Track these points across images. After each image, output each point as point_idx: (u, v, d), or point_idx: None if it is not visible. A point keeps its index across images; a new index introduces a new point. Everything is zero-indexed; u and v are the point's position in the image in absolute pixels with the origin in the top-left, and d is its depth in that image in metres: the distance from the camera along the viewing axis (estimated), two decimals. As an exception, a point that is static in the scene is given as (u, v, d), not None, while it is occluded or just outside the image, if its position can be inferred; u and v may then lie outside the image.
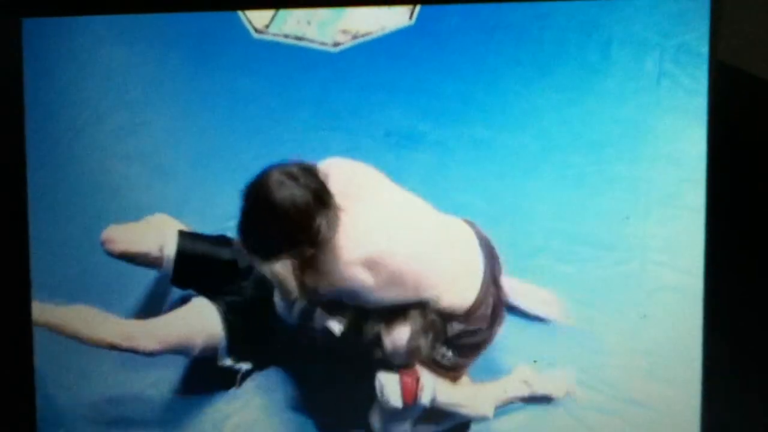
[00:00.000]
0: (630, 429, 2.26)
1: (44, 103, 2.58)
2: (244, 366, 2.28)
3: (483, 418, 2.21)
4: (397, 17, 3.11)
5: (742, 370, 2.37)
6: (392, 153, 2.42)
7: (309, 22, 3.09)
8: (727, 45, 2.63)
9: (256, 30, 3.09)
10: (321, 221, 2.06)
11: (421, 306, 2.12)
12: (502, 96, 2.39)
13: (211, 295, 2.27)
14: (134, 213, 2.52)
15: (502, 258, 2.36)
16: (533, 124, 2.51)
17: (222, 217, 2.49)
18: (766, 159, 2.66)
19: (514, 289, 2.28)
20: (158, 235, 2.33)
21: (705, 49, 2.42)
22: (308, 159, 2.65)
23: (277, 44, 3.02)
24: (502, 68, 2.44)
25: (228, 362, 2.26)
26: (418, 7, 3.10)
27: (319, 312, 2.16)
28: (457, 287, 2.19)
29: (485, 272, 2.23)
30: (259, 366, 2.32)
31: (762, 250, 2.46)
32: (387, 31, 3.06)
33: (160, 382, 2.36)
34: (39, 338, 2.33)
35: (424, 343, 2.12)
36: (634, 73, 2.47)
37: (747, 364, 2.38)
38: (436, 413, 2.19)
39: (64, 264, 2.44)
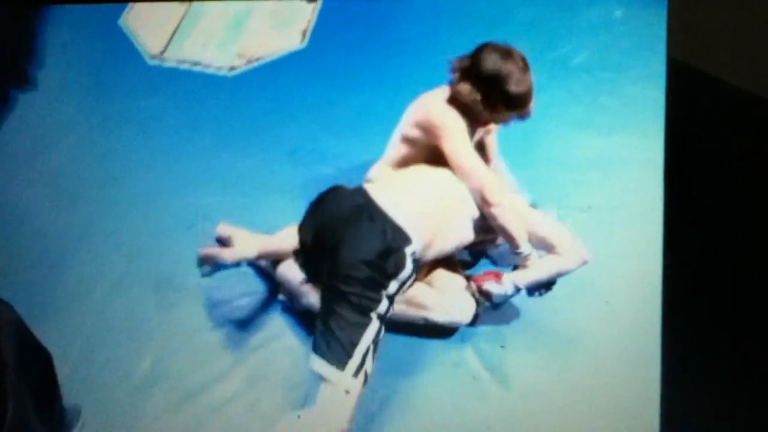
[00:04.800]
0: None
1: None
2: None
3: None
4: (290, 40, 3.22)
5: (699, 352, 2.47)
6: (298, 169, 2.47)
7: (204, 46, 3.15)
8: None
9: (151, 56, 3.12)
10: None
11: None
12: (401, 108, 2.48)
13: None
14: (39, 238, 2.47)
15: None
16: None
17: (130, 241, 2.50)
18: (722, 154, 2.85)
19: None
20: None
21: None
22: (213, 179, 2.73)
23: (174, 69, 3.07)
24: (398, 83, 2.54)
25: None
26: (309, 30, 3.23)
27: None
28: None
29: None
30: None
31: (717, 236, 2.61)
32: (281, 54, 3.17)
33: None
34: None
35: None
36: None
37: (704, 345, 2.48)
38: None
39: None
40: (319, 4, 3.33)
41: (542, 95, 2.44)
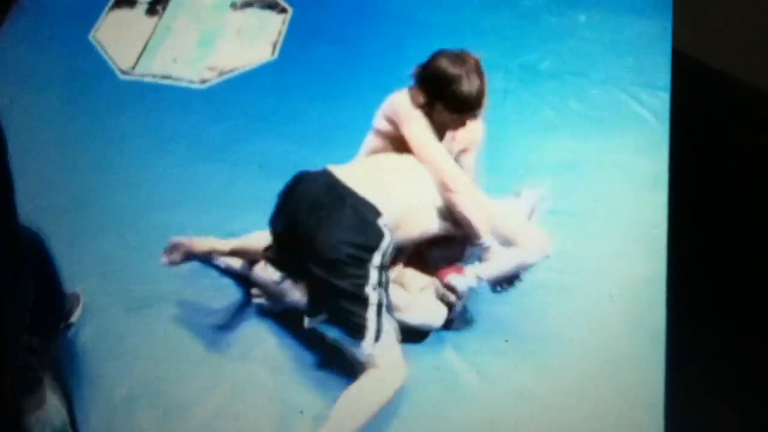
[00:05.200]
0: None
1: None
2: None
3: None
4: (261, 53, 3.24)
5: (703, 348, 2.51)
6: (269, 182, 2.48)
7: (175, 60, 3.17)
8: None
9: (122, 71, 3.13)
10: None
11: None
12: (369, 120, 2.51)
13: None
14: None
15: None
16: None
17: (105, 260, 2.49)
18: (728, 147, 2.86)
19: None
20: None
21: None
22: (185, 194, 2.76)
23: (146, 83, 3.10)
24: (368, 94, 2.55)
25: None
26: (280, 42, 3.25)
27: None
28: None
29: None
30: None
31: (722, 233, 2.65)
32: (252, 66, 3.19)
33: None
34: None
35: None
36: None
37: (708, 344, 2.53)
38: None
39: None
40: (288, 16, 3.36)
41: (511, 101, 2.49)
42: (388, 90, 2.48)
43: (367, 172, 2.31)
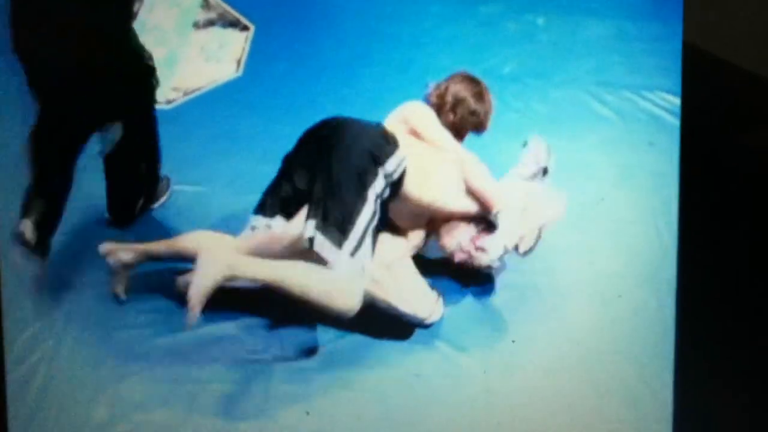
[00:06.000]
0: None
1: None
2: None
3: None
4: (225, 71, 3.25)
5: (713, 342, 2.50)
6: (239, 198, 2.50)
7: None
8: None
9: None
10: None
11: None
12: None
13: None
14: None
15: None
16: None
17: (80, 287, 2.46)
18: (737, 142, 2.88)
19: None
20: None
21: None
22: (155, 213, 2.74)
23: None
24: (332, 108, 2.58)
25: None
26: (244, 58, 3.26)
27: None
28: None
29: None
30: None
31: (733, 228, 2.63)
32: (217, 84, 3.19)
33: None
34: None
35: None
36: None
37: (716, 343, 2.51)
38: None
39: None
40: (251, 33, 3.37)
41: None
42: (352, 104, 2.53)
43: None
